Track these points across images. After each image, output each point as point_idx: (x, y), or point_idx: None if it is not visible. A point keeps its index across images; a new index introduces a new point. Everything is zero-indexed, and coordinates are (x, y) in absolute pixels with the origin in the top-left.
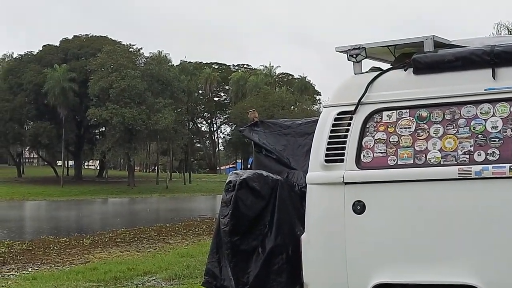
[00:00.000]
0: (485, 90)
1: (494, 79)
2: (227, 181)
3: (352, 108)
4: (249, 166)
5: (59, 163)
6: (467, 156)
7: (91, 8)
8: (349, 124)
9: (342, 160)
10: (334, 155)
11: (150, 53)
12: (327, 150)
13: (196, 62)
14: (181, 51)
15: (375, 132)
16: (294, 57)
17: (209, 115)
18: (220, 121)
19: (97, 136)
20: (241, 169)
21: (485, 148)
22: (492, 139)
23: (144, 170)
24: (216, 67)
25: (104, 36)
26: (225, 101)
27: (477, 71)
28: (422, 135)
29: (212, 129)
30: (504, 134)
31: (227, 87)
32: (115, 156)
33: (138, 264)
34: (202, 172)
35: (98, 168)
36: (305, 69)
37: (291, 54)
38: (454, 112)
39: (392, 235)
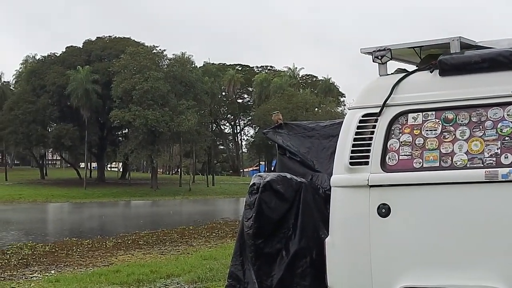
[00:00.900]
0: None
1: None
2: (251, 183)
3: (377, 110)
4: (272, 169)
5: (82, 165)
6: (494, 159)
7: (114, 9)
8: (374, 126)
9: (367, 163)
10: (359, 157)
11: (173, 54)
12: (351, 153)
13: (220, 63)
14: (204, 52)
15: (400, 135)
16: (317, 59)
17: (232, 117)
18: (244, 123)
19: (120, 138)
20: (264, 171)
21: None
22: None
23: (167, 173)
24: (240, 68)
25: (127, 38)
26: (249, 103)
27: (504, 73)
28: (448, 137)
29: (235, 131)
30: None
31: (250, 89)
32: (138, 158)
33: (161, 267)
34: (225, 174)
35: (121, 170)
36: (329, 71)
37: (314, 55)
38: (480, 114)
39: (418, 238)
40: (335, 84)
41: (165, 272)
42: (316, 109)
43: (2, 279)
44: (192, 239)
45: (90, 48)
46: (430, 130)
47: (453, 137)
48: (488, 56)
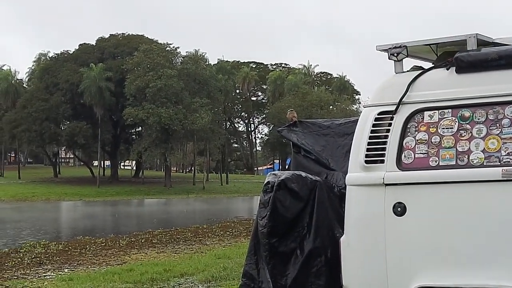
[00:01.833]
0: None
1: None
2: (265, 182)
3: (393, 108)
4: (287, 167)
5: (95, 163)
6: (511, 157)
7: (127, 6)
8: (389, 124)
9: (382, 161)
10: (375, 155)
11: (186, 52)
12: (367, 151)
13: (234, 61)
14: (218, 51)
15: (416, 133)
16: (332, 57)
17: (246, 115)
18: (258, 121)
19: (134, 136)
20: (279, 169)
21: None
22: None
23: (181, 171)
24: (254, 66)
25: (141, 35)
26: (263, 100)
27: None
28: (465, 135)
29: (249, 129)
30: None
31: (264, 87)
32: (152, 156)
33: (175, 266)
34: (239, 172)
35: (135, 168)
36: (344, 69)
37: (329, 53)
38: (497, 112)
39: (434, 237)
40: (350, 81)
41: (179, 271)
42: (331, 107)
43: (15, 277)
44: (206, 238)
45: (103, 46)
46: (446, 128)
47: (470, 135)
48: (505, 53)
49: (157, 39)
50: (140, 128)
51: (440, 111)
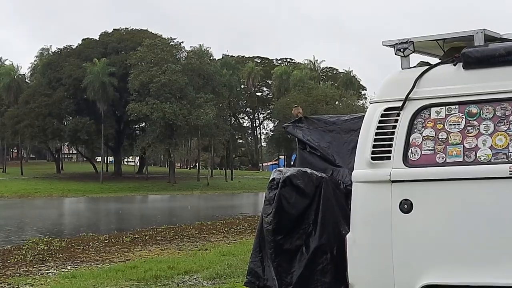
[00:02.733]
0: None
1: None
2: (270, 178)
3: (399, 104)
4: (292, 163)
5: (99, 159)
6: None
7: (132, 1)
8: (396, 121)
9: (389, 158)
10: (381, 152)
11: (191, 47)
12: (373, 147)
13: (238, 56)
14: (222, 46)
15: (423, 129)
16: (338, 52)
17: (251, 110)
18: (263, 117)
19: (137, 131)
20: (284, 166)
21: None
22: None
23: (185, 167)
24: (259, 61)
25: (145, 30)
26: (268, 96)
27: None
28: (472, 132)
29: (254, 124)
30: None
31: (269, 82)
32: (155, 152)
33: (179, 263)
34: (244, 168)
35: (138, 164)
36: (350, 64)
37: (334, 48)
38: (505, 108)
39: (441, 234)
40: (356, 77)
41: (183, 268)
42: (337, 102)
43: (18, 274)
44: (210, 235)
45: (107, 40)
46: (453, 124)
47: (477, 131)
48: None
49: (161, 34)
50: (144, 124)
51: (447, 107)
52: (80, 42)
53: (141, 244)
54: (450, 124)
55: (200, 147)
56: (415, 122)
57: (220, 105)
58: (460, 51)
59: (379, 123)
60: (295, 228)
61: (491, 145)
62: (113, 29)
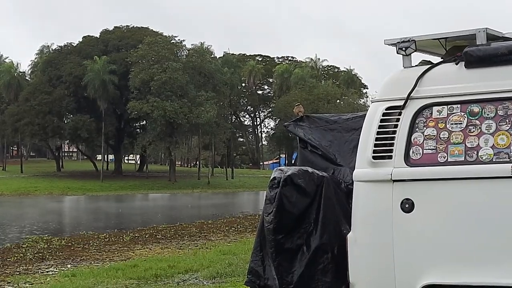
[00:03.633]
0: None
1: None
2: (271, 177)
3: (401, 103)
4: (293, 162)
5: (99, 157)
6: None
7: None
8: (397, 120)
9: (390, 157)
10: (382, 151)
11: (192, 44)
12: (374, 146)
13: (240, 54)
14: (224, 43)
15: (424, 128)
16: (339, 50)
17: (252, 108)
18: (264, 115)
19: (138, 129)
20: (285, 164)
21: None
22: None
23: (186, 165)
24: (260, 59)
25: (145, 27)
26: (269, 94)
27: None
28: (474, 131)
29: (255, 123)
30: None
31: (271, 80)
32: (156, 150)
33: (179, 262)
34: (245, 167)
35: (139, 162)
36: (352, 62)
37: (336, 47)
38: (507, 108)
39: (442, 234)
40: (357, 75)
41: (183, 267)
42: (338, 101)
43: (18, 273)
44: (211, 234)
45: (108, 38)
46: (455, 124)
47: (479, 131)
48: None
49: (162, 31)
50: (144, 122)
51: (449, 106)
52: (81, 40)
53: (142, 243)
54: (452, 123)
55: (201, 145)
56: (416, 121)
57: (221, 103)
58: (462, 50)
59: (380, 122)
60: (296, 227)
61: (493, 144)
62: (114, 27)
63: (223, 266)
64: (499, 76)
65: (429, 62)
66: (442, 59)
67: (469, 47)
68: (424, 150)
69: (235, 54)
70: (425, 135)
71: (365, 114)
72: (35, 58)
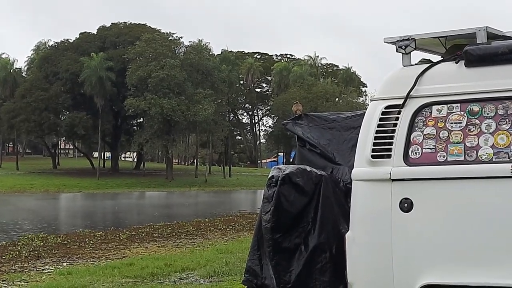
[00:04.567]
0: None
1: None
2: (269, 176)
3: (400, 101)
4: (291, 160)
5: (95, 154)
6: None
7: None
8: (397, 119)
9: (389, 156)
10: (381, 150)
11: (190, 42)
12: (373, 145)
13: (238, 51)
14: (222, 41)
15: (424, 127)
16: (338, 49)
17: (250, 106)
18: (262, 113)
19: (135, 127)
20: (283, 163)
21: None
22: None
23: (183, 163)
24: (258, 57)
25: (143, 24)
26: (267, 92)
27: None
28: (474, 130)
29: (253, 121)
30: None
31: (269, 78)
32: (153, 148)
33: (176, 260)
34: (243, 165)
35: (135, 160)
36: (351, 61)
37: (335, 45)
38: (507, 107)
39: (441, 234)
40: (356, 73)
41: (180, 266)
42: (337, 99)
43: (13, 271)
44: (208, 232)
45: (105, 35)
46: (454, 123)
47: (479, 130)
48: None
49: (160, 28)
50: (141, 119)
51: (448, 105)
52: (78, 36)
53: (138, 241)
54: (452, 123)
55: (198, 143)
56: (416, 120)
57: (219, 101)
58: (462, 48)
59: (379, 120)
60: (294, 226)
61: (493, 144)
62: (111, 23)
63: (220, 265)
64: (500, 75)
65: (428, 61)
66: (442, 58)
67: (469, 46)
68: (424, 150)
69: (233, 52)
70: (425, 134)
71: (364, 112)
72: (32, 55)
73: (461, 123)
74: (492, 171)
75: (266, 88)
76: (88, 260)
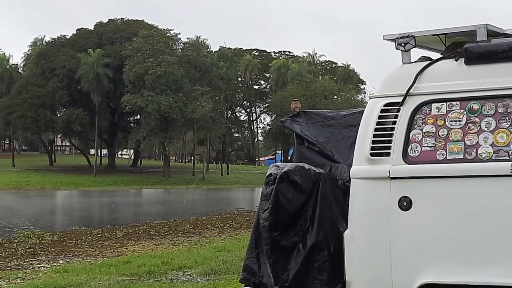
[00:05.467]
0: None
1: None
2: (267, 173)
3: (399, 99)
4: (289, 158)
5: (92, 151)
6: None
7: None
8: (396, 116)
9: (388, 154)
10: (380, 148)
11: (187, 38)
12: (372, 143)
13: (236, 48)
14: (220, 37)
15: (423, 125)
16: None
17: (248, 103)
18: (260, 110)
19: (132, 124)
20: (281, 160)
21: None
22: None
23: (180, 160)
24: (256, 53)
25: (140, 20)
26: (265, 89)
27: None
28: (473, 128)
29: (251, 118)
30: None
31: (267, 75)
32: (150, 145)
33: (173, 258)
34: (240, 163)
35: (132, 157)
36: (350, 58)
37: (334, 42)
38: (507, 105)
39: (440, 233)
40: (355, 71)
41: (177, 264)
42: (335, 96)
43: (9, 268)
44: (205, 230)
45: (102, 31)
46: (454, 121)
47: (478, 128)
48: None
49: (157, 24)
50: (138, 116)
51: (448, 103)
52: (74, 32)
53: (135, 239)
54: (451, 121)
55: (196, 140)
56: (415, 118)
57: (217, 98)
58: (462, 46)
59: (378, 118)
60: (292, 224)
61: (492, 142)
62: (108, 19)
63: (218, 263)
64: (500, 73)
65: (428, 58)
66: (441, 55)
67: (469, 44)
68: (423, 148)
69: (231, 48)
70: (424, 132)
71: (363, 110)
72: (28, 51)
73: (460, 121)
74: (491, 170)
75: (264, 85)
76: (85, 258)
